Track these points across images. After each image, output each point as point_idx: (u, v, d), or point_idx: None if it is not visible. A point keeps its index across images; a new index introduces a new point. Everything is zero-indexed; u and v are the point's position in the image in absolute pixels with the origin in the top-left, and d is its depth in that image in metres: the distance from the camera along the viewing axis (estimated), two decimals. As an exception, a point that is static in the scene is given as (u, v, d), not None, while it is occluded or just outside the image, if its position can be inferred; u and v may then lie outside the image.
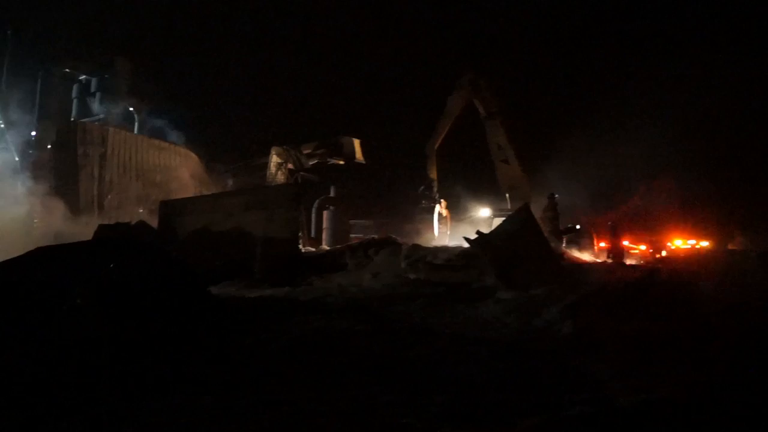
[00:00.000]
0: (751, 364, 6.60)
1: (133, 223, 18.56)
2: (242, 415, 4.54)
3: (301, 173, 28.27)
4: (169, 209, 19.58)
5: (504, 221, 14.33)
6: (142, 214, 23.23)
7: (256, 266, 14.92)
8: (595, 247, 22.91)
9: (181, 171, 28.27)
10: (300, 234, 19.13)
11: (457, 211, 28.63)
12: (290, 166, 28.37)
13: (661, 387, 5.56)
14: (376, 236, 19.87)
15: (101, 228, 16.79)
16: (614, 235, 21.16)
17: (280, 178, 27.55)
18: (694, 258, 22.38)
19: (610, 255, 20.61)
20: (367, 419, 4.56)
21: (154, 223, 19.36)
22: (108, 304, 5.42)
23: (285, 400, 4.92)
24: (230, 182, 30.32)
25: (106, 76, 29.17)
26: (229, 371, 5.74)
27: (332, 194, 29.46)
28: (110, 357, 5.09)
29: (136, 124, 29.97)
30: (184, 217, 18.51)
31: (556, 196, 21.89)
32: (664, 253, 26.33)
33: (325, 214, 27.73)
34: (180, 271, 6.51)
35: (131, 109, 29.96)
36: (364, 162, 29.71)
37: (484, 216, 27.07)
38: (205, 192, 26.43)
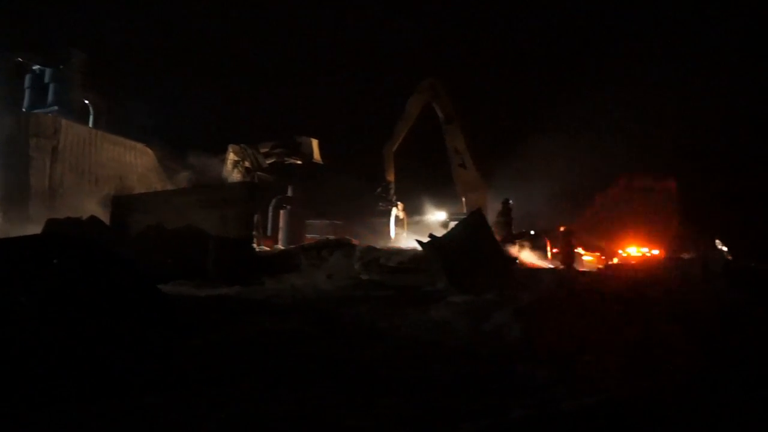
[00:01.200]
0: (690, 368, 6.78)
1: (85, 218, 18.21)
2: (186, 417, 4.51)
3: (258, 172, 28.12)
4: (122, 205, 19.31)
5: (456, 225, 14.46)
6: (95, 209, 22.82)
7: (208, 265, 14.78)
8: (549, 253, 23.20)
9: (136, 167, 27.88)
10: (254, 233, 19.02)
11: (413, 213, 28.76)
12: (247, 164, 28.21)
13: (604, 391, 5.66)
14: (331, 237, 19.86)
15: (50, 223, 16.46)
16: (566, 241, 21.45)
17: (237, 176, 27.38)
18: (643, 265, 22.86)
19: (562, 261, 20.90)
20: (313, 421, 4.56)
21: (106, 218, 19.05)
22: (50, 302, 5.33)
23: (231, 401, 4.89)
24: (186, 179, 29.99)
25: (60, 67, 28.62)
26: (175, 372, 5.68)
27: (289, 194, 29.35)
28: (51, 358, 5.01)
29: (91, 118, 29.46)
30: (137, 214, 18.27)
31: (511, 201, 22.14)
32: (615, 260, 26.80)
33: (282, 213, 27.62)
34: (126, 268, 6.41)
35: (86, 102, 29.44)
36: (321, 162, 29.69)
37: (440, 219, 27.26)
38: (160, 188, 26.10)
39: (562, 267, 19.69)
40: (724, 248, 26.83)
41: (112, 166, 26.95)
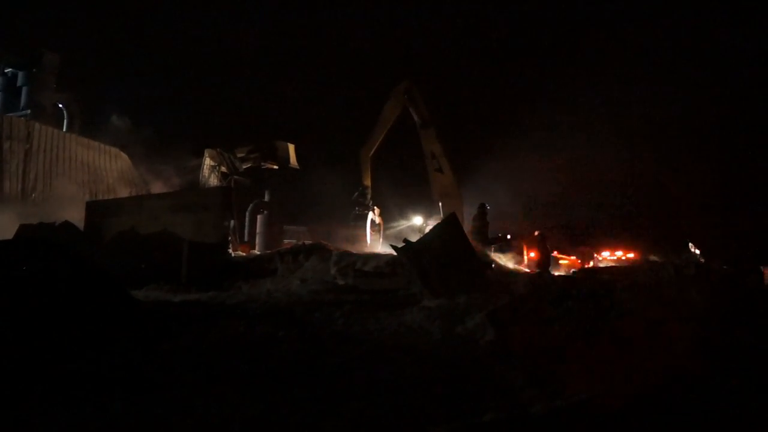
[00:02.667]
0: (663, 370, 6.86)
1: (58, 223, 18.03)
2: (153, 421, 4.49)
3: (235, 177, 28.01)
4: (96, 210, 19.15)
5: (431, 230, 14.48)
6: (68, 214, 22.57)
7: (183, 270, 14.70)
8: (524, 257, 23.30)
9: (110, 171, 27.63)
10: (230, 238, 18.92)
11: (390, 218, 28.76)
12: (223, 169, 28.08)
13: (574, 394, 5.71)
14: (307, 242, 19.81)
15: (22, 228, 16.30)
16: (542, 245, 21.55)
17: (213, 181, 27.25)
18: (617, 269, 23.04)
19: (538, 265, 20.99)
20: (283, 426, 4.57)
21: (80, 223, 18.86)
22: (17, 307, 5.29)
23: (201, 405, 4.89)
24: (161, 184, 29.77)
25: (34, 70, 28.31)
26: (144, 376, 5.66)
27: (266, 199, 29.23)
28: (16, 361, 4.98)
29: (65, 121, 29.16)
30: (110, 219, 18.12)
31: (487, 206, 22.18)
32: (591, 264, 27.00)
33: (259, 218, 27.48)
34: (97, 273, 6.38)
35: (60, 105, 29.14)
36: (298, 167, 29.62)
37: (416, 224, 27.27)
38: (135, 193, 25.92)
39: (537, 271, 19.77)
40: (697, 251, 27.15)
41: (86, 170, 26.69)
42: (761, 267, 23.25)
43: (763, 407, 5.57)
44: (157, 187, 28.70)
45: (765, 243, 26.75)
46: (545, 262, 20.82)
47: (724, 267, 23.65)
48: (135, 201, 20.77)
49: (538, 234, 22.30)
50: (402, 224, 27.78)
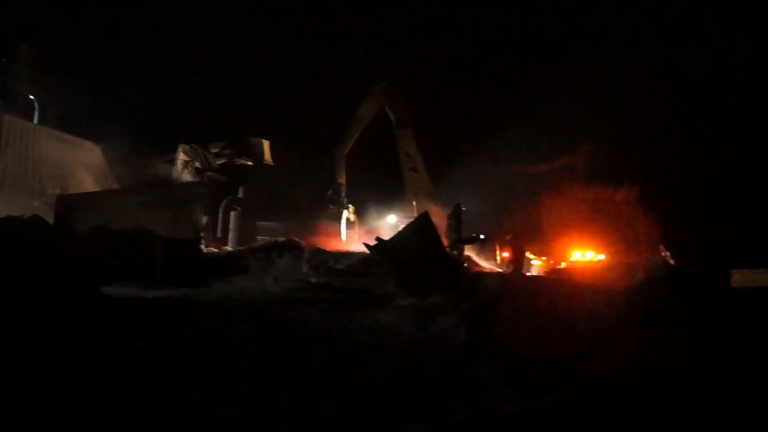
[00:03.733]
0: (633, 370, 6.95)
1: (27, 217, 17.77)
2: (122, 422, 4.45)
3: (209, 173, 27.80)
4: (67, 204, 18.93)
5: (403, 229, 14.55)
6: (38, 208, 22.23)
7: (156, 266, 14.60)
8: (498, 257, 23.45)
9: (83, 165, 27.28)
10: (203, 234, 18.83)
11: (365, 216, 28.75)
12: (197, 165, 27.85)
13: (546, 394, 5.76)
14: (281, 239, 19.77)
15: (-9, 221, 16.06)
16: (515, 246, 21.68)
17: (187, 176, 26.99)
18: (589, 270, 23.29)
19: (510, 265, 21.14)
20: (254, 425, 4.55)
21: (50, 218, 18.63)
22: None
23: (171, 405, 4.85)
24: (134, 179, 29.46)
25: (4, 60, 27.86)
26: (115, 375, 5.61)
27: (240, 195, 29.10)
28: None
29: (36, 114, 28.71)
30: (82, 213, 17.93)
31: (463, 208, 22.25)
32: (563, 265, 27.22)
33: (232, 215, 27.40)
34: (66, 269, 6.30)
35: (32, 97, 28.70)
36: (272, 164, 29.49)
37: (391, 222, 27.32)
38: (108, 188, 25.61)
39: (509, 271, 19.92)
40: (667, 253, 27.47)
41: (57, 163, 26.30)
42: (729, 269, 23.68)
43: (732, 403, 5.68)
44: (131, 183, 28.40)
45: (733, 246, 27.15)
46: (517, 263, 20.98)
47: (693, 269, 24.01)
48: (108, 196, 20.60)
49: (511, 236, 22.42)
50: (376, 222, 27.81)
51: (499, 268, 21.79)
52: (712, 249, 26.69)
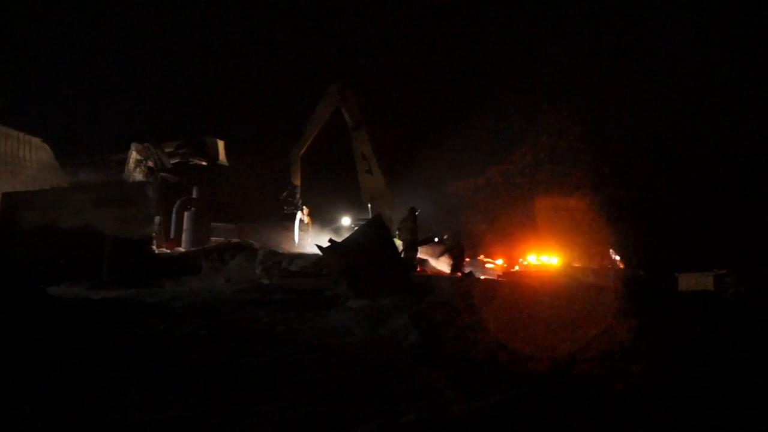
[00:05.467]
0: (580, 372, 7.09)
1: (-32, 215, 17.32)
2: (63, 426, 4.38)
3: (162, 173, 27.41)
4: (13, 202, 18.44)
5: (356, 230, 14.60)
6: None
7: (104, 266, 14.38)
8: (450, 259, 23.55)
9: (30, 162, 26.65)
10: (154, 234, 18.57)
11: (319, 218, 28.69)
12: (150, 164, 27.43)
13: (495, 395, 5.83)
14: (234, 240, 19.63)
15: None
16: (453, 248, 21.74)
17: (139, 175, 26.58)
18: (541, 273, 23.63)
19: (453, 268, 21.15)
20: (198, 428, 4.53)
21: (-5, 216, 18.17)
22: None
23: (114, 408, 4.79)
24: (84, 177, 28.89)
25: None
26: (57, 377, 5.52)
27: (194, 195, 28.75)
28: None
29: (-21, 108, 27.94)
30: (29, 212, 17.51)
31: (417, 211, 22.30)
32: (517, 268, 27.53)
33: (186, 215, 27.02)
34: (8, 268, 6.18)
35: (-25, 91, 27.98)
36: (227, 164, 29.23)
37: (345, 224, 27.31)
38: (56, 186, 25.06)
39: (463, 273, 20.04)
40: (617, 257, 27.99)
41: (3, 160, 25.65)
42: (676, 273, 24.26)
43: (674, 407, 5.82)
44: (80, 181, 27.84)
45: (681, 250, 27.79)
46: (455, 264, 21.05)
47: (642, 273, 24.53)
48: (56, 194, 20.13)
49: (447, 237, 22.52)
50: (331, 224, 27.78)
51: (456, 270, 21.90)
52: (660, 253, 27.29)
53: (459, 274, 19.68)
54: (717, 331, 11.43)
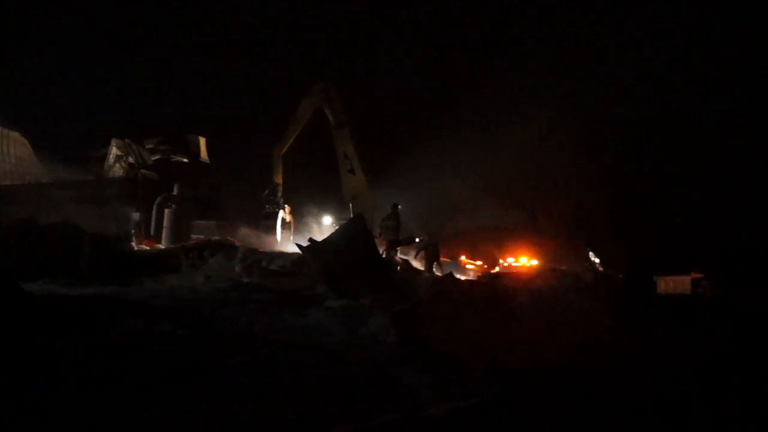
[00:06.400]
0: (560, 372, 7.13)
1: (-58, 209, 17.10)
2: (32, 423, 4.34)
3: (143, 170, 27.24)
4: (-10, 197, 18.29)
5: (336, 230, 14.61)
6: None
7: (83, 263, 14.26)
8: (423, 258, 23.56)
9: (9, 156, 26.40)
10: (134, 231, 18.47)
11: (301, 217, 28.65)
12: (131, 160, 27.25)
13: (474, 395, 5.85)
14: (215, 238, 19.55)
15: None
16: (427, 248, 21.76)
17: (119, 172, 26.41)
18: (520, 274, 23.81)
19: (426, 268, 21.17)
20: (170, 427, 4.51)
21: (-30, 210, 17.96)
22: None
23: (88, 407, 4.75)
24: (63, 173, 28.64)
25: None
26: (32, 376, 5.46)
27: (175, 192, 28.59)
28: None
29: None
30: (6, 207, 17.35)
31: (399, 207, 22.30)
32: (497, 269, 27.70)
33: (166, 212, 26.86)
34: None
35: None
36: (208, 161, 29.12)
37: (327, 223, 27.30)
38: (35, 181, 24.83)
39: (443, 274, 20.07)
40: (597, 260, 28.27)
41: (-21, 153, 25.41)
42: (654, 276, 24.57)
43: (651, 407, 5.87)
44: (60, 176, 27.60)
45: (659, 253, 28.13)
46: (428, 265, 21.09)
47: (621, 275, 24.82)
48: (34, 189, 19.95)
49: (421, 239, 22.57)
50: (312, 223, 27.73)
51: (437, 270, 21.93)
52: (639, 256, 27.60)
53: (436, 274, 19.73)
54: (694, 332, 11.60)
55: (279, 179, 27.91)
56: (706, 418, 5.60)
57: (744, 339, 10.99)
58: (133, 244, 17.97)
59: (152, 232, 25.26)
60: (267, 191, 27.70)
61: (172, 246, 20.43)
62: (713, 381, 7.24)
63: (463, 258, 27.19)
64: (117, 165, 26.85)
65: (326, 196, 29.62)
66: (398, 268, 17.75)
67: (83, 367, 5.94)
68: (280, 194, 27.69)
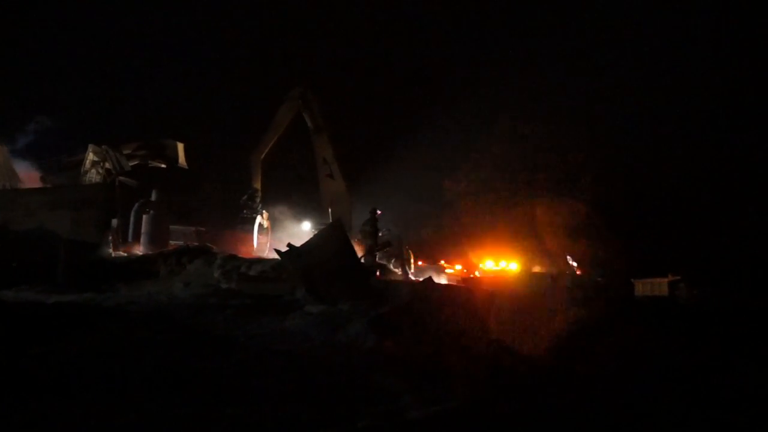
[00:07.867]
0: (538, 374, 7.19)
1: None
2: (13, 428, 4.31)
3: (120, 177, 26.99)
4: (-36, 203, 18.02)
5: (315, 235, 14.57)
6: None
7: (58, 269, 14.10)
8: (412, 265, 23.59)
9: (-17, 163, 26.01)
10: (111, 237, 18.29)
11: (279, 223, 28.53)
12: (108, 166, 26.98)
13: (451, 399, 5.88)
14: (193, 244, 19.41)
15: None
16: (397, 251, 21.74)
17: (95, 178, 26.13)
18: (499, 279, 23.89)
19: (402, 270, 21.17)
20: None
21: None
22: None
23: (64, 414, 4.72)
24: (38, 179, 28.31)
25: None
26: (9, 384, 5.40)
27: (153, 198, 28.35)
28: None
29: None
30: (-21, 213, 17.13)
31: (378, 211, 22.27)
32: (477, 273, 27.74)
33: (144, 218, 26.62)
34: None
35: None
36: (186, 167, 28.91)
37: (305, 229, 27.18)
38: (9, 187, 24.52)
39: (422, 279, 20.05)
40: (574, 264, 28.43)
41: (-48, 160, 24.99)
42: (632, 279, 24.79)
43: (627, 404, 5.94)
44: (34, 182, 27.28)
45: (637, 257, 28.38)
46: (402, 267, 21.10)
47: (599, 279, 24.98)
48: (8, 195, 19.69)
49: (398, 242, 22.53)
50: (291, 229, 27.61)
51: (413, 275, 21.95)
52: (617, 260, 27.82)
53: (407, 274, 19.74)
54: (671, 333, 11.74)
55: (257, 184, 27.81)
56: (679, 419, 5.67)
57: (718, 341, 11.14)
58: (110, 250, 17.79)
59: (130, 239, 25.04)
60: (245, 197, 27.57)
61: (150, 252, 20.26)
62: (686, 383, 7.34)
63: (442, 262, 27.20)
64: (93, 170, 26.56)
65: (305, 201, 29.55)
66: (377, 273, 17.70)
67: (61, 374, 5.89)
68: (258, 200, 27.56)
